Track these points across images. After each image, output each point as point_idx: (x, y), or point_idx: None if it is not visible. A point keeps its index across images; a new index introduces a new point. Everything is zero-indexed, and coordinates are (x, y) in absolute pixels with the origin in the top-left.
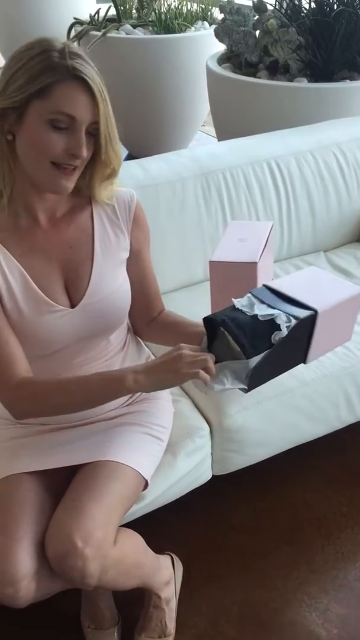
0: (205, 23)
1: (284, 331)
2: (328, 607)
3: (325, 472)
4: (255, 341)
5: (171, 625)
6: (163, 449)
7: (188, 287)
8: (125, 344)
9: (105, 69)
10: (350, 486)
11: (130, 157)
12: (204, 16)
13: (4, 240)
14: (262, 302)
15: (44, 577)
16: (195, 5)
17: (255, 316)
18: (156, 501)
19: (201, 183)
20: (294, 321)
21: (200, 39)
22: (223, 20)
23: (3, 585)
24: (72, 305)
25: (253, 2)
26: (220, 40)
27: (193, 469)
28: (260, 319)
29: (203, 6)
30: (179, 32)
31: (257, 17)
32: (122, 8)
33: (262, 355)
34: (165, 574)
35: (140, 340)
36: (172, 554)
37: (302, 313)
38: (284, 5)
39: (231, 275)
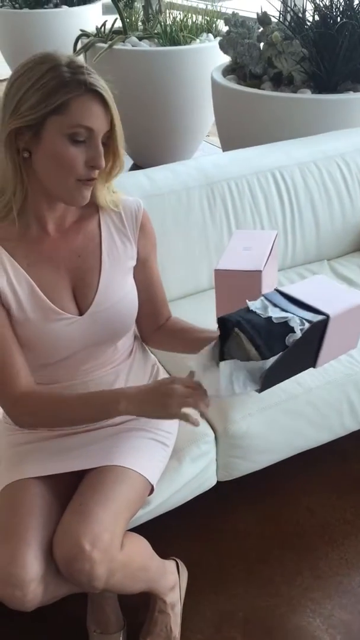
0: (210, 35)
1: (298, 334)
2: (332, 612)
3: (329, 479)
4: (270, 343)
5: (176, 630)
6: (168, 455)
7: (193, 295)
8: (132, 351)
9: (112, 81)
10: (354, 493)
11: (135, 167)
12: (209, 28)
13: (13, 249)
14: (275, 305)
15: (51, 580)
16: (200, 18)
17: (270, 318)
18: (161, 506)
19: (206, 193)
20: (307, 324)
21: (205, 51)
22: (228, 32)
23: (12, 588)
24: (80, 313)
25: (257, 14)
26: (225, 52)
27: (198, 474)
28: (275, 321)
29: (208, 19)
30: (184, 44)
31: (261, 29)
32: (128, 20)
33: (276, 356)
34: (170, 579)
35: (146, 347)
36: (177, 559)
37: (315, 317)
38: (288, 17)
39: (236, 284)
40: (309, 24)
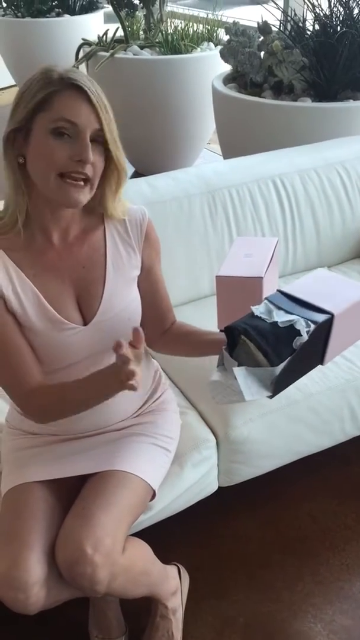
0: (211, 44)
1: (305, 336)
2: (333, 618)
3: (331, 484)
4: (278, 348)
5: (178, 635)
6: (170, 460)
7: (195, 301)
8: None
9: (113, 89)
10: (355, 498)
11: (137, 174)
12: (210, 37)
13: (19, 260)
14: (279, 308)
15: (54, 584)
16: (201, 27)
17: (275, 323)
18: (163, 511)
19: (207, 200)
20: (312, 326)
21: (206, 59)
22: (229, 41)
23: (15, 592)
24: (85, 323)
25: (258, 24)
26: (226, 61)
27: (199, 479)
28: (280, 325)
29: (209, 27)
30: (186, 53)
31: (262, 38)
32: (129, 29)
33: (285, 361)
34: (172, 584)
35: (149, 353)
36: (178, 564)
37: (320, 317)
38: (289, 27)
39: (237, 290)
40: (309, 33)
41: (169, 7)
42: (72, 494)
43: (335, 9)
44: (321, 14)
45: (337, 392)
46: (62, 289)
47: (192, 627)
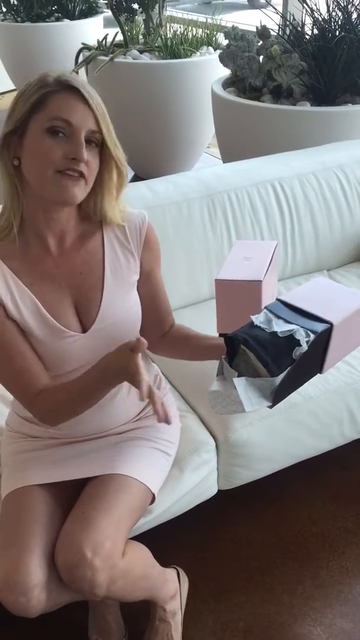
0: (210, 48)
1: (304, 346)
2: (333, 621)
3: (330, 487)
4: (278, 358)
5: (177, 639)
6: (170, 463)
7: (195, 304)
8: None
9: (113, 93)
10: (354, 502)
11: (137, 178)
12: (209, 42)
13: (16, 268)
14: (279, 317)
15: (54, 587)
16: (200, 31)
17: (275, 333)
18: (163, 515)
19: (207, 204)
20: (312, 336)
21: (205, 63)
22: (228, 45)
23: (15, 595)
24: (84, 330)
25: (257, 28)
26: (225, 65)
27: (199, 483)
28: (280, 335)
29: (208, 32)
30: (185, 57)
31: (261, 43)
32: (129, 34)
33: (285, 372)
34: (171, 587)
35: (148, 357)
36: (178, 568)
37: (319, 326)
38: (287, 31)
39: (236, 293)
40: (307, 37)
41: (168, 12)
42: (72, 497)
43: (333, 14)
44: (320, 19)
45: (336, 395)
46: (60, 297)
47: (192, 630)
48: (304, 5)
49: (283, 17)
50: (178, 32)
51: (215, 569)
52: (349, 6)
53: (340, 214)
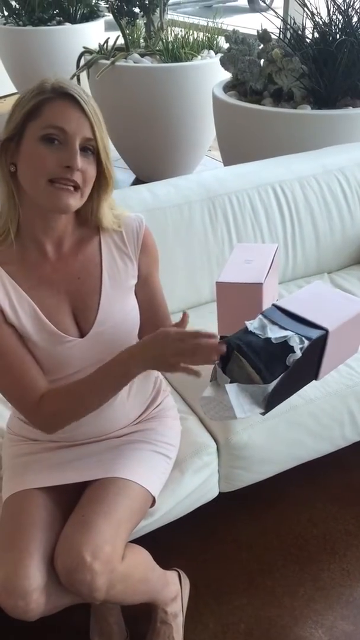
0: (211, 52)
1: (298, 353)
2: (334, 624)
3: (331, 490)
4: (271, 364)
5: None
6: (171, 466)
7: (195, 307)
8: None
9: (114, 96)
10: (356, 504)
11: (138, 181)
12: (210, 45)
13: (14, 273)
14: (274, 323)
15: (53, 591)
16: (201, 35)
17: (269, 339)
18: (164, 518)
19: (208, 207)
20: (306, 342)
21: (206, 67)
22: (229, 49)
23: (14, 598)
24: (82, 335)
25: (258, 32)
26: (226, 69)
27: (200, 485)
28: (274, 341)
29: (209, 35)
30: (186, 61)
31: (261, 46)
32: (130, 37)
33: (278, 379)
34: (172, 590)
35: None
36: (179, 570)
37: (314, 333)
38: (288, 35)
39: (237, 296)
40: (308, 41)
41: (169, 16)
42: (72, 501)
43: (334, 17)
44: (320, 22)
45: (337, 397)
46: (57, 302)
47: (193, 632)
48: (305, 8)
49: (284, 20)
50: (179, 36)
51: (216, 571)
52: (350, 10)
53: (341, 216)
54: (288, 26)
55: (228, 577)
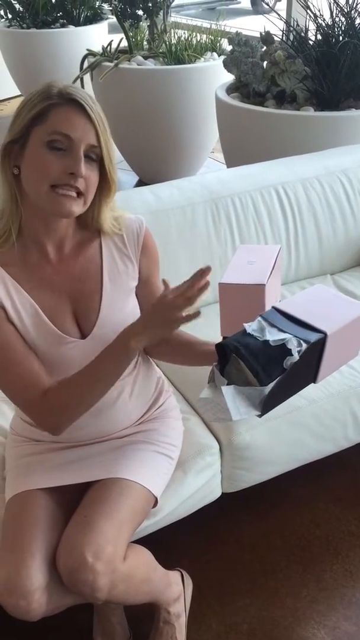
0: (215, 54)
1: (296, 356)
2: (337, 624)
3: (334, 490)
4: (268, 367)
5: None
6: (173, 467)
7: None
8: (136, 366)
9: (118, 99)
10: (358, 505)
11: (141, 183)
12: (213, 47)
13: (15, 274)
14: (273, 325)
15: (55, 591)
16: (204, 37)
17: (267, 341)
18: (166, 518)
19: (211, 208)
20: (304, 345)
21: (209, 69)
22: (232, 51)
23: (16, 599)
24: (83, 336)
25: (261, 34)
26: (229, 71)
27: (203, 486)
28: (272, 344)
29: (212, 38)
30: (189, 63)
31: (264, 48)
32: (133, 40)
33: (275, 381)
34: (174, 590)
35: (150, 360)
36: (182, 570)
37: (313, 336)
38: (291, 37)
39: (240, 297)
40: (311, 42)
41: (173, 18)
42: (74, 501)
43: (337, 19)
44: (323, 24)
45: (339, 398)
46: (59, 303)
47: (196, 633)
48: (308, 11)
49: (287, 22)
50: (182, 38)
51: (219, 572)
52: (352, 12)
53: (344, 218)
54: (291, 28)
55: (231, 577)
